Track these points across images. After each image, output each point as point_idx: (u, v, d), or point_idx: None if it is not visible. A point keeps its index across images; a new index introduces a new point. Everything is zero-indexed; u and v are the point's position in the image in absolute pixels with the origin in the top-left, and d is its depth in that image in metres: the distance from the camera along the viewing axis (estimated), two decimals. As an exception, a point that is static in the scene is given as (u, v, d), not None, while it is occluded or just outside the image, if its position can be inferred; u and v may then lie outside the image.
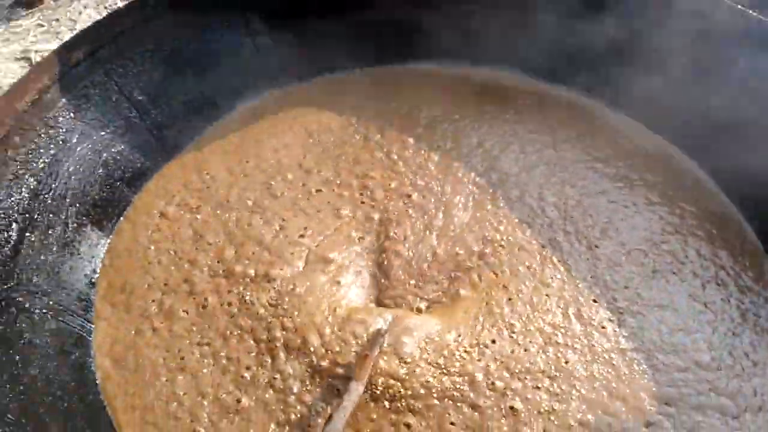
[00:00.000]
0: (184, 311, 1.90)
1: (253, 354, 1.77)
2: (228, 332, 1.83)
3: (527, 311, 1.82)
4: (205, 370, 1.76)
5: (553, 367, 1.69)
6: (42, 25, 3.66)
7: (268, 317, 1.83)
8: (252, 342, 1.80)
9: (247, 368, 1.74)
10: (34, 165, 1.91)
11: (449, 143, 2.34)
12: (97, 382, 1.78)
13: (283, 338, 1.78)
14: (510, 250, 1.97)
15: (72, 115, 2.05)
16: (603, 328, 1.78)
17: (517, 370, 1.68)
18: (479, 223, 2.06)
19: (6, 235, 1.76)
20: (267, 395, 1.68)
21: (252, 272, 1.95)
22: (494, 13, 2.52)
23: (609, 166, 2.27)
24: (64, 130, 2.02)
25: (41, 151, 1.94)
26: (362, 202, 2.14)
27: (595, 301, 1.85)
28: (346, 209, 2.12)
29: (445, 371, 1.67)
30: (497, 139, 2.37)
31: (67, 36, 3.44)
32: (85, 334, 1.86)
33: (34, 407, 1.52)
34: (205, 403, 1.69)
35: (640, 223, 2.08)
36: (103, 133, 2.15)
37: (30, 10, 3.85)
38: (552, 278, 1.91)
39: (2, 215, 1.76)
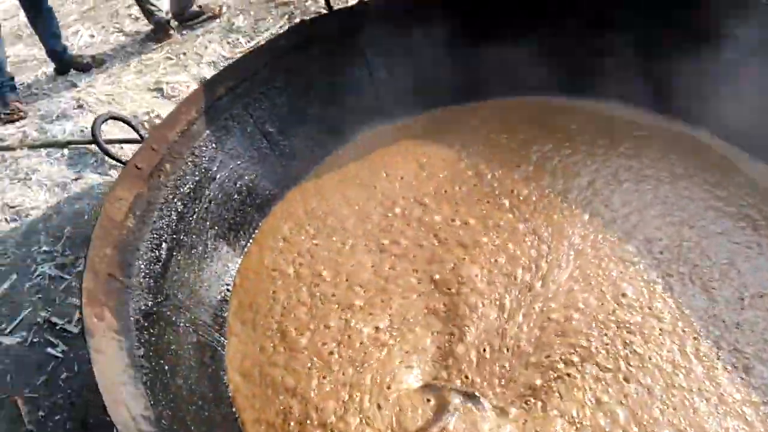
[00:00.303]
0: (298, 333, 2.01)
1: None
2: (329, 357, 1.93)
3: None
4: (312, 394, 1.85)
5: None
6: (171, 58, 3.98)
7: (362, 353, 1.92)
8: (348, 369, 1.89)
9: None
10: (181, 190, 2.10)
11: (559, 182, 2.35)
12: (230, 394, 1.91)
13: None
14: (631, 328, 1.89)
15: (214, 145, 2.24)
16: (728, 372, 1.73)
17: None
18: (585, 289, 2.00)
19: (157, 253, 1.94)
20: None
21: (359, 303, 2.04)
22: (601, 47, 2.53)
23: (730, 205, 2.21)
24: (206, 158, 2.21)
25: (187, 177, 2.13)
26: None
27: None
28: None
29: None
30: (610, 176, 2.36)
31: (193, 69, 3.74)
32: (219, 348, 2.00)
33: (181, 415, 1.65)
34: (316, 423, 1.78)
35: (765, 265, 2.00)
36: (239, 162, 2.33)
37: (159, 44, 4.20)
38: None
39: (156, 236, 1.95)
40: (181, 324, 1.91)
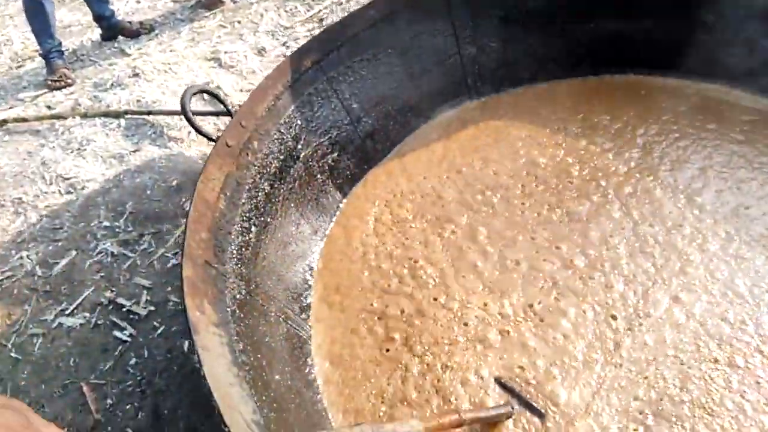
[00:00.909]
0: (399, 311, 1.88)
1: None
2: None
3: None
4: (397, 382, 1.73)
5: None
6: (224, 26, 3.81)
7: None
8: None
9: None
10: (268, 170, 1.95)
11: (669, 172, 2.16)
12: (318, 385, 1.78)
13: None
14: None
15: (299, 122, 2.09)
16: None
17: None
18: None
19: (247, 238, 1.80)
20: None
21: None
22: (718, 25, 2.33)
23: None
24: (292, 136, 2.05)
25: (273, 155, 1.98)
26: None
27: None
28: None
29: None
30: (724, 164, 2.17)
31: (250, 38, 3.56)
32: (305, 336, 1.87)
33: (284, 416, 1.52)
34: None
35: None
36: (322, 139, 2.17)
37: (211, 11, 4.02)
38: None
39: (245, 218, 1.80)
40: (272, 313, 1.77)
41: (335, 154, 2.21)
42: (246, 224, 1.81)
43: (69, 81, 3.63)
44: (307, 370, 1.81)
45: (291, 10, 3.81)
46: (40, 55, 3.73)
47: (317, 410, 1.71)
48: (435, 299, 1.90)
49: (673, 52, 2.42)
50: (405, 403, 1.68)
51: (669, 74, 2.48)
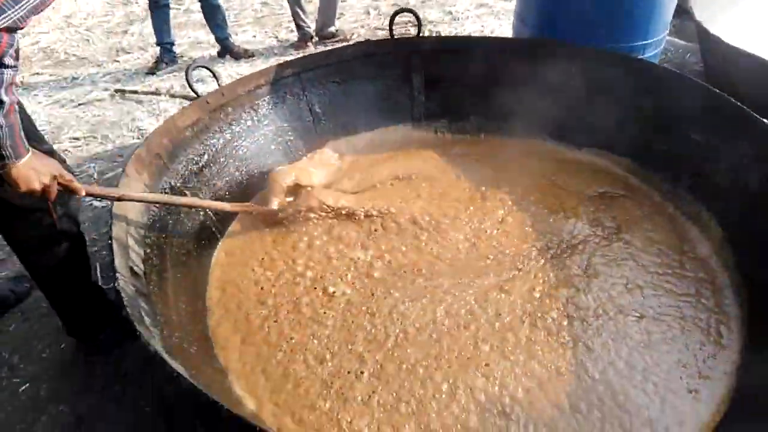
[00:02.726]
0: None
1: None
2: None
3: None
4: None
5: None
6: (298, 62, 4.90)
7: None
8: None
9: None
10: (235, 127, 2.91)
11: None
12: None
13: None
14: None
15: (270, 107, 3.05)
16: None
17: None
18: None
19: (197, 159, 2.72)
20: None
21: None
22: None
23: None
24: (261, 113, 3.02)
25: (242, 121, 2.94)
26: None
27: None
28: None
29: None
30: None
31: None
32: (218, 236, 2.74)
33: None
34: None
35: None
36: (285, 124, 3.12)
37: (297, 51, 5.23)
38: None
39: (202, 148, 2.74)
40: (194, 212, 2.66)
41: (291, 137, 3.14)
42: (201, 152, 2.75)
43: (164, 66, 5.08)
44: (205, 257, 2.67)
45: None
46: (156, 44, 5.16)
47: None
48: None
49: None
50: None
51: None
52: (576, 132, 3.13)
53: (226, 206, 2.60)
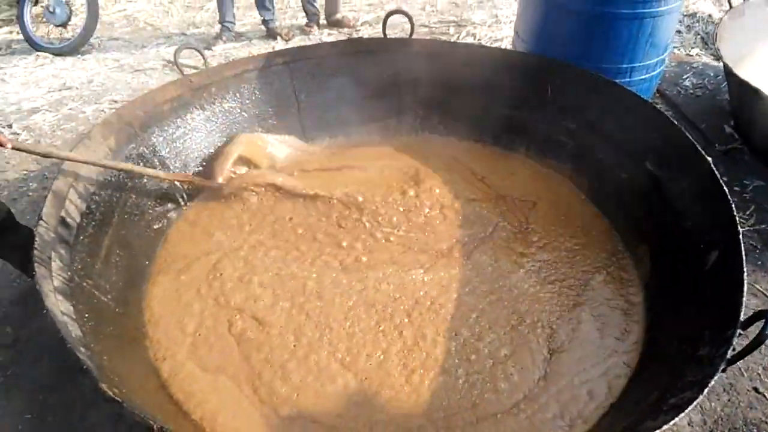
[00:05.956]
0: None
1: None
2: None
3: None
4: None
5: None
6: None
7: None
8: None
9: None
10: (217, 105, 3.15)
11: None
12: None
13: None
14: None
15: (256, 91, 3.27)
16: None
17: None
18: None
19: (170, 131, 2.98)
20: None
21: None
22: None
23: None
24: (245, 95, 3.24)
25: (225, 101, 3.18)
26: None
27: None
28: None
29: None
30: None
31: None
32: (179, 207, 3.00)
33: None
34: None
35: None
36: (269, 108, 3.32)
37: (306, 34, 5.60)
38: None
39: (178, 121, 3.00)
40: (148, 181, 2.89)
41: (274, 122, 3.35)
42: (176, 125, 3.00)
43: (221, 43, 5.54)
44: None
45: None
46: (218, 22, 5.62)
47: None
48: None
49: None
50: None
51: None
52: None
53: (160, 174, 2.80)
